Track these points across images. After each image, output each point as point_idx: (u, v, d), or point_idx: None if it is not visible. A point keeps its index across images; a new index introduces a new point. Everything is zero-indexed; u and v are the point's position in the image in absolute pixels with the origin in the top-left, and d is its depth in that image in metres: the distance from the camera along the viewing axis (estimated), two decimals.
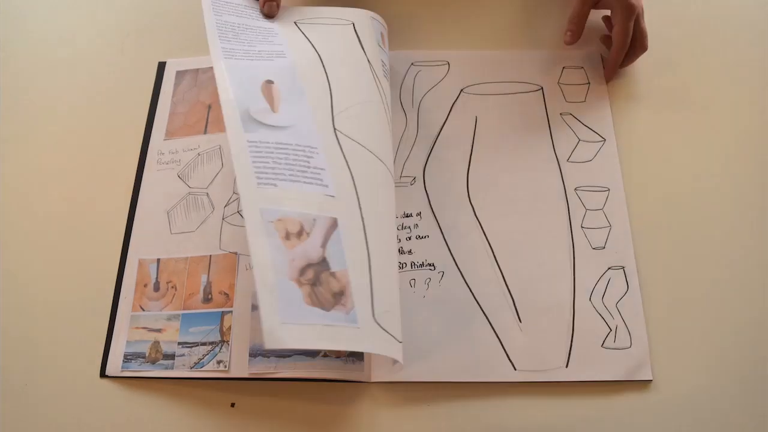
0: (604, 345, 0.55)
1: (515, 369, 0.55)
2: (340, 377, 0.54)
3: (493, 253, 0.59)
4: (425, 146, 0.65)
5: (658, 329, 0.56)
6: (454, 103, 0.67)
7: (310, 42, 0.60)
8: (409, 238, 0.61)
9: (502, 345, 0.56)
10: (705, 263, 0.58)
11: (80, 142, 0.68)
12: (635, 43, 0.65)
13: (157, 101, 0.70)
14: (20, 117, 0.70)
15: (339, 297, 0.44)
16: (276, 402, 0.55)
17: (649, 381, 0.54)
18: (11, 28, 0.77)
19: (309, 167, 0.50)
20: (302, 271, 0.44)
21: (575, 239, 0.59)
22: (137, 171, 0.66)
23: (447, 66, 0.69)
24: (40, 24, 0.77)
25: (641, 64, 0.68)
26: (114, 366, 0.57)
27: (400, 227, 0.61)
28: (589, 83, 0.67)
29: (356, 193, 0.50)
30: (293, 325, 0.42)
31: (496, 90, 0.67)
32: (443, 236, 0.61)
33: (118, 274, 0.61)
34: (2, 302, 0.60)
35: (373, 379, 0.55)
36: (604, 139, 0.63)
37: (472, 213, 0.61)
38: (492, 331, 0.56)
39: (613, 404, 0.53)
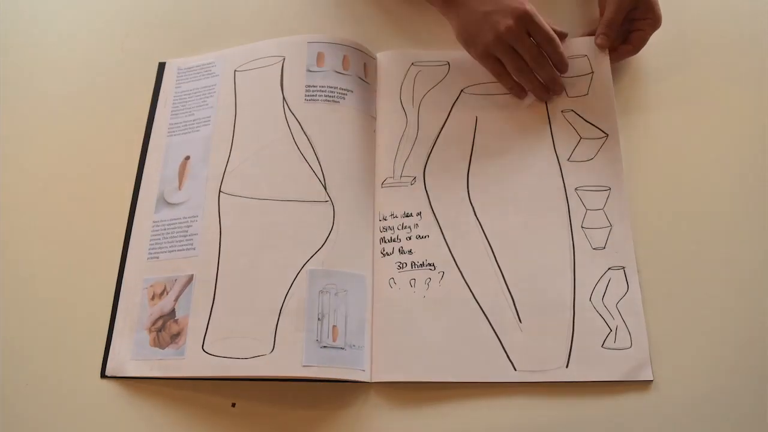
0: (604, 345, 0.55)
1: (515, 369, 0.55)
2: (341, 377, 0.54)
3: (493, 253, 0.59)
4: (425, 146, 0.65)
5: (658, 329, 0.55)
6: (454, 104, 0.67)
7: (236, 96, 0.68)
8: (409, 238, 0.61)
9: (502, 345, 0.56)
10: (706, 263, 0.58)
11: (80, 142, 0.68)
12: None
13: (156, 101, 0.70)
14: (20, 117, 0.70)
15: (175, 337, 0.57)
16: (276, 402, 0.55)
17: (650, 381, 0.54)
18: (12, 28, 0.77)
19: (186, 236, 0.61)
20: (154, 321, 0.58)
21: (575, 239, 0.59)
22: (137, 171, 0.66)
23: (447, 66, 0.69)
24: (41, 24, 0.77)
25: (648, 59, 0.67)
26: (115, 365, 0.57)
27: (400, 227, 0.61)
28: (592, 72, 0.66)
29: (219, 248, 0.60)
30: (137, 360, 0.57)
31: (497, 90, 0.67)
32: (443, 236, 0.61)
33: (118, 273, 0.61)
34: (2, 302, 0.60)
35: (374, 380, 0.55)
36: (607, 135, 0.63)
37: (472, 213, 0.61)
38: (492, 331, 0.56)
39: (613, 404, 0.53)
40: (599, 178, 0.62)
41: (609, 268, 0.58)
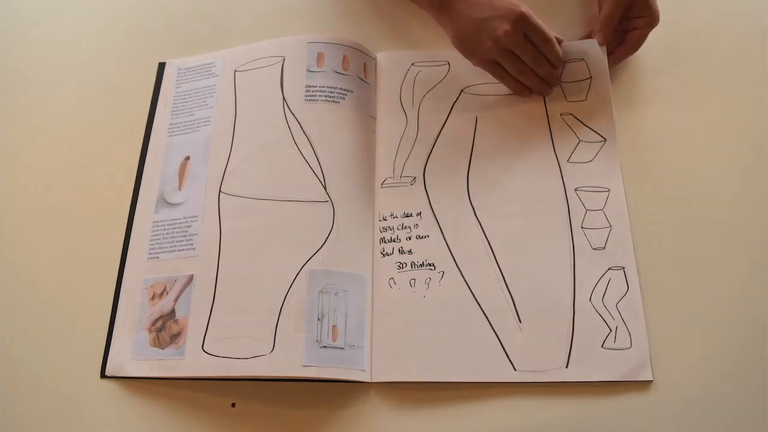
0: (604, 345, 0.55)
1: (515, 369, 0.54)
2: (341, 377, 0.54)
3: (493, 253, 0.59)
4: (425, 146, 0.65)
5: (658, 330, 0.55)
6: (454, 104, 0.67)
7: (236, 96, 0.68)
8: (409, 238, 0.61)
9: (502, 345, 0.56)
10: (705, 263, 0.58)
11: (81, 143, 0.68)
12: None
13: (156, 101, 0.70)
14: (21, 117, 0.70)
15: (175, 337, 0.57)
16: (276, 402, 0.55)
17: (650, 381, 0.54)
18: (12, 29, 0.77)
19: (186, 236, 0.61)
20: (154, 322, 0.58)
21: (575, 239, 0.59)
22: (137, 171, 0.66)
23: (447, 66, 0.69)
24: (41, 25, 0.77)
25: (644, 62, 0.68)
26: (115, 365, 0.57)
27: (400, 227, 0.61)
28: (591, 77, 0.66)
29: (219, 248, 0.60)
30: (137, 360, 0.57)
31: (497, 90, 0.67)
32: (443, 236, 0.61)
33: (118, 273, 0.61)
34: (3, 302, 0.60)
35: (374, 380, 0.55)
36: (605, 139, 0.63)
37: (472, 213, 0.61)
38: (492, 331, 0.56)
39: (613, 404, 0.53)
40: (599, 179, 0.62)
41: (609, 269, 0.58)
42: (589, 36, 0.68)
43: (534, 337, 0.56)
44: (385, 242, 0.61)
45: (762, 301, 0.56)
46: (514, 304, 0.57)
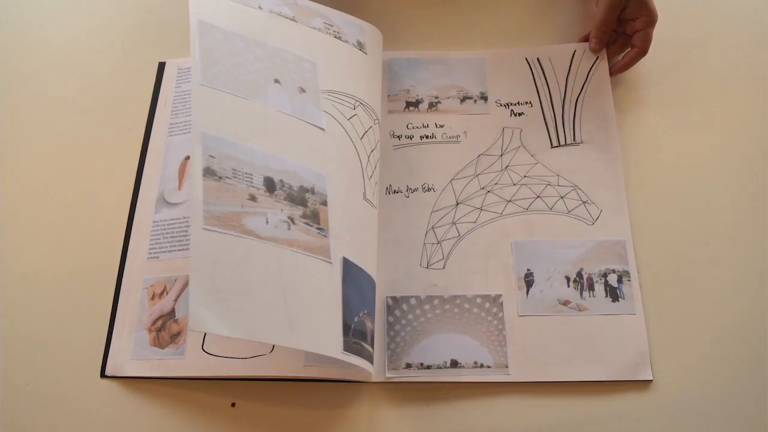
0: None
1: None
2: (341, 377, 0.54)
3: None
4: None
5: (658, 329, 0.55)
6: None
7: None
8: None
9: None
10: (705, 264, 0.58)
11: (80, 143, 0.68)
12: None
13: (156, 101, 0.70)
14: (20, 117, 0.70)
15: (175, 337, 0.57)
16: (276, 402, 0.55)
17: (650, 381, 0.54)
18: (12, 28, 0.77)
19: (186, 235, 0.61)
20: (154, 321, 0.58)
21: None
22: (137, 171, 0.66)
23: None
24: (41, 24, 0.77)
25: (645, 64, 0.68)
26: (115, 365, 0.57)
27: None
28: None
29: None
30: (137, 360, 0.57)
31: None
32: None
33: (118, 273, 0.61)
34: (2, 302, 0.60)
35: (374, 379, 0.55)
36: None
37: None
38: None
39: (613, 404, 0.53)
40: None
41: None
42: (586, 38, 0.68)
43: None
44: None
45: (762, 301, 0.56)
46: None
